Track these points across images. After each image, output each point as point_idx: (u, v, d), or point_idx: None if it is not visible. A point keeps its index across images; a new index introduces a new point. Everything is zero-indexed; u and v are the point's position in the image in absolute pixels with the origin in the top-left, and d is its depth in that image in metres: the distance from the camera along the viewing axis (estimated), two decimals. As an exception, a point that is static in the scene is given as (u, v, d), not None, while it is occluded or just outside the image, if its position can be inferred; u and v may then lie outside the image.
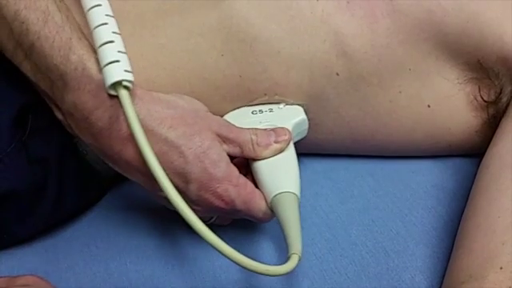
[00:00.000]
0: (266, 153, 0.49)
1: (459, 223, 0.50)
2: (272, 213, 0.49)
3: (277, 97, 0.54)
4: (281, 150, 0.50)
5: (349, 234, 0.54)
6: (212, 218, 0.51)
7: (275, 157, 0.50)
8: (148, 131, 0.44)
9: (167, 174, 0.43)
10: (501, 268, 0.43)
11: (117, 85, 0.42)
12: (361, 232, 0.54)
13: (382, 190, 0.58)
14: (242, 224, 0.53)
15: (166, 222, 0.57)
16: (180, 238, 0.55)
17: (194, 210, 0.47)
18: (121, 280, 0.52)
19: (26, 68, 0.46)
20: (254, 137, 0.49)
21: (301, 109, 0.54)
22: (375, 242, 0.53)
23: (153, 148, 0.43)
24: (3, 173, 0.49)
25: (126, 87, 0.42)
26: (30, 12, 0.44)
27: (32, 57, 0.45)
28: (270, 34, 0.53)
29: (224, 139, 0.48)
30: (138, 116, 0.43)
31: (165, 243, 0.55)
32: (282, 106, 0.54)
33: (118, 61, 0.42)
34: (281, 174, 0.49)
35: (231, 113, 0.54)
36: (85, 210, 0.59)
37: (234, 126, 0.50)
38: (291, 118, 0.53)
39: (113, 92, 0.42)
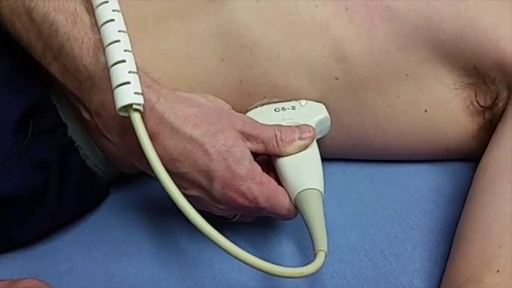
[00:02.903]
0: (290, 149, 0.50)
1: (456, 227, 0.51)
2: (296, 210, 0.49)
3: (276, 99, 0.55)
4: (305, 147, 0.50)
5: (347, 238, 0.54)
6: (236, 215, 0.51)
7: (299, 154, 0.50)
8: (172, 129, 0.44)
9: (185, 193, 0.43)
10: (498, 271, 0.43)
11: (127, 107, 0.41)
12: (359, 235, 0.54)
13: (380, 194, 0.58)
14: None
15: (167, 225, 0.57)
16: (180, 242, 0.56)
17: (220, 209, 0.48)
18: (121, 283, 0.53)
19: (54, 69, 0.46)
20: (278, 133, 0.49)
21: (323, 106, 0.55)
22: (373, 246, 0.53)
23: (178, 146, 0.44)
24: (5, 176, 0.49)
25: (136, 109, 0.41)
26: (58, 14, 0.44)
27: (61, 58, 0.45)
28: (270, 38, 0.53)
29: (247, 136, 0.48)
30: (150, 137, 0.42)
31: (165, 247, 0.55)
32: (303, 103, 0.54)
33: (128, 82, 0.41)
34: (305, 171, 0.49)
35: (254, 110, 0.54)
36: (85, 214, 0.59)
37: (257, 122, 0.50)
38: (314, 115, 0.54)
39: (123, 114, 0.42)
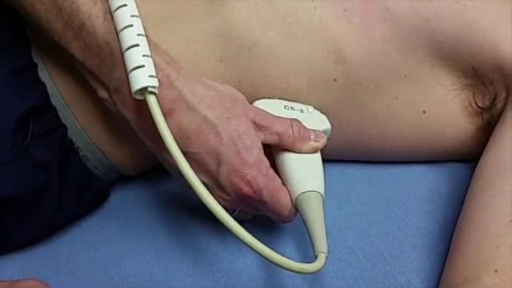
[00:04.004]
0: (304, 146, 0.50)
1: (455, 227, 0.51)
2: (296, 211, 0.49)
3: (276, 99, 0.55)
4: (315, 150, 0.51)
5: (346, 239, 0.54)
6: (235, 211, 0.51)
7: (304, 156, 0.51)
8: (188, 107, 0.45)
9: (198, 175, 0.43)
10: (496, 271, 0.43)
11: (143, 90, 0.42)
12: (358, 236, 0.55)
13: (378, 195, 0.58)
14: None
15: (166, 226, 0.57)
16: (179, 243, 0.56)
17: (223, 200, 0.48)
18: (121, 284, 0.53)
19: (75, 47, 0.47)
20: (295, 127, 0.50)
21: (326, 118, 0.55)
22: (372, 246, 0.54)
23: (191, 125, 0.45)
24: (5, 177, 0.50)
25: (151, 92, 0.42)
26: None
27: (81, 36, 0.46)
28: (269, 40, 0.53)
29: (259, 126, 0.48)
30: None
31: (164, 248, 0.55)
32: (311, 109, 0.54)
33: (142, 66, 0.42)
34: (308, 174, 0.50)
35: (263, 100, 0.54)
36: (85, 215, 0.59)
37: (271, 114, 0.50)
38: (320, 124, 0.54)
39: (138, 97, 0.43)
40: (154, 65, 0.44)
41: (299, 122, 0.51)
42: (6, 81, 0.51)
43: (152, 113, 0.42)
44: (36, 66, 0.54)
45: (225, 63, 0.54)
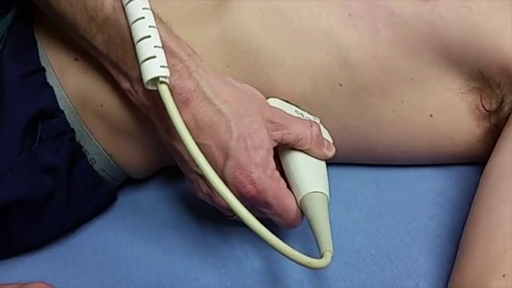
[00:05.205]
0: (318, 151, 0.51)
1: (463, 231, 0.50)
2: (302, 215, 0.49)
3: None
4: (325, 158, 0.52)
5: (353, 242, 0.54)
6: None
7: (311, 158, 0.51)
8: (204, 99, 0.46)
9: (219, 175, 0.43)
10: (503, 275, 0.43)
11: (155, 80, 0.43)
12: (365, 240, 0.54)
13: (385, 198, 0.58)
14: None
15: (173, 229, 0.58)
16: (187, 246, 0.56)
17: None
18: (128, 287, 0.53)
19: (99, 40, 0.48)
20: (315, 129, 0.50)
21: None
22: (379, 250, 0.53)
23: (205, 116, 0.46)
24: (13, 181, 0.50)
25: (163, 82, 0.43)
26: None
27: (106, 29, 0.47)
28: (274, 45, 0.53)
29: (277, 125, 0.49)
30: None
31: (171, 250, 0.56)
32: (317, 121, 0.54)
33: (154, 57, 0.43)
34: (314, 175, 0.50)
35: (277, 99, 0.54)
36: (92, 218, 0.59)
37: (290, 115, 0.51)
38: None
39: (151, 87, 0.43)
40: (173, 56, 0.45)
41: (318, 124, 0.51)
42: (14, 85, 0.52)
43: (164, 102, 0.43)
44: (44, 70, 0.54)
45: (230, 69, 0.54)
